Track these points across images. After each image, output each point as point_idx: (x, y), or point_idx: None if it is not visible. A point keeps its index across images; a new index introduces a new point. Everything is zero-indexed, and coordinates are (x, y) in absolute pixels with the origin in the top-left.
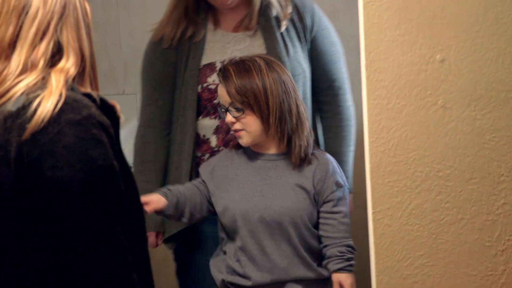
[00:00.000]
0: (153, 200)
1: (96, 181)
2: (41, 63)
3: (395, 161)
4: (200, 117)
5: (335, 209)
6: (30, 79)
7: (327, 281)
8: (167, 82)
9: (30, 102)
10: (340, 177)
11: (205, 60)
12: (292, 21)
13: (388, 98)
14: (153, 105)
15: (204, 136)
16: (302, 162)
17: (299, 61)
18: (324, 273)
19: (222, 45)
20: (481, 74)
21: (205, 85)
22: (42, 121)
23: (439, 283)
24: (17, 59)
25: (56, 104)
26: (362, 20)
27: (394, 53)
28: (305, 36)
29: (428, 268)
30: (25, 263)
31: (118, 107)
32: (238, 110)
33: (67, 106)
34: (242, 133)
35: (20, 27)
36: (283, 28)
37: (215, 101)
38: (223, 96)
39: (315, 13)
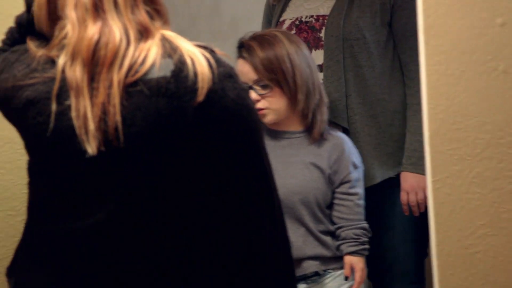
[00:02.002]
0: None
1: (259, 129)
2: (151, 27)
3: (454, 128)
4: None
5: (352, 190)
6: (155, 43)
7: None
8: None
9: (182, 63)
10: (356, 158)
11: (282, 17)
12: None
13: (447, 63)
14: None
15: None
16: (321, 139)
17: (360, 26)
18: (339, 253)
19: (301, 3)
20: None
21: None
22: (208, 79)
23: (502, 253)
24: (118, 24)
25: (208, 61)
26: None
27: (453, 17)
28: (383, 4)
29: (490, 238)
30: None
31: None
32: (264, 87)
33: (213, 61)
34: (267, 112)
35: None
36: None
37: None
38: (246, 73)
39: None
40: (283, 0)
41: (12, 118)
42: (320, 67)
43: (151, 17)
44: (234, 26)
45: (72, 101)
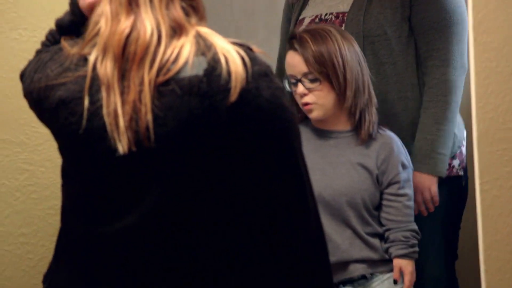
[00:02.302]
0: None
1: (294, 129)
2: (185, 23)
3: (504, 128)
4: None
5: (401, 191)
6: (189, 40)
7: (391, 261)
8: (286, 37)
9: (215, 62)
10: (405, 157)
11: (302, 15)
12: None
13: (497, 60)
14: (279, 59)
15: None
16: (369, 139)
17: (380, 23)
18: (387, 256)
19: (321, 1)
20: None
21: None
22: (242, 78)
23: None
24: (150, 19)
25: (243, 59)
26: None
27: (504, 12)
28: None
29: None
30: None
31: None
32: (313, 81)
33: (247, 59)
34: (314, 106)
35: None
36: None
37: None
38: (296, 65)
39: None
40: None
41: (45, 119)
42: None
43: (187, 13)
44: None
45: (103, 96)
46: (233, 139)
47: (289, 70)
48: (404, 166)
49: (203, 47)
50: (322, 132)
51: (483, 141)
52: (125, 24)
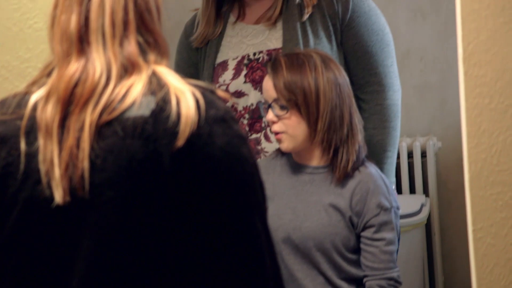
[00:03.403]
0: None
1: (253, 183)
2: (139, 61)
3: (498, 170)
4: None
5: (377, 235)
6: (141, 78)
7: None
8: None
9: (164, 102)
10: (386, 197)
11: (219, 58)
12: (319, 7)
13: (490, 96)
14: None
15: None
16: (346, 177)
17: None
18: None
19: (239, 40)
20: None
21: (217, 85)
22: (193, 121)
23: None
24: (101, 59)
25: (197, 102)
26: (459, 6)
27: (497, 44)
28: (334, 25)
29: None
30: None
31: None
32: (282, 108)
33: (203, 102)
34: (283, 136)
35: (86, 17)
36: (305, 17)
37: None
38: (268, 90)
39: None
40: (214, 41)
41: None
42: None
43: (144, 50)
44: None
45: (40, 143)
46: (179, 190)
47: (264, 95)
48: (383, 208)
49: (155, 86)
50: (298, 167)
51: (476, 184)
52: (74, 67)
